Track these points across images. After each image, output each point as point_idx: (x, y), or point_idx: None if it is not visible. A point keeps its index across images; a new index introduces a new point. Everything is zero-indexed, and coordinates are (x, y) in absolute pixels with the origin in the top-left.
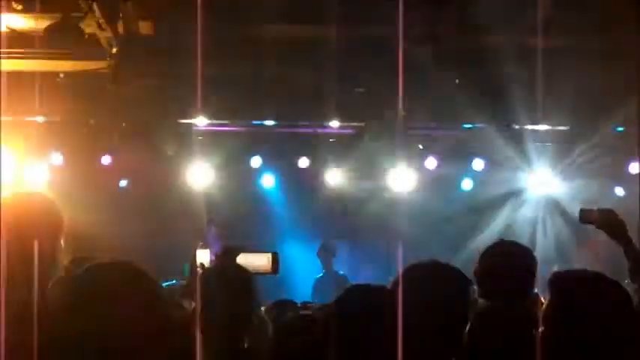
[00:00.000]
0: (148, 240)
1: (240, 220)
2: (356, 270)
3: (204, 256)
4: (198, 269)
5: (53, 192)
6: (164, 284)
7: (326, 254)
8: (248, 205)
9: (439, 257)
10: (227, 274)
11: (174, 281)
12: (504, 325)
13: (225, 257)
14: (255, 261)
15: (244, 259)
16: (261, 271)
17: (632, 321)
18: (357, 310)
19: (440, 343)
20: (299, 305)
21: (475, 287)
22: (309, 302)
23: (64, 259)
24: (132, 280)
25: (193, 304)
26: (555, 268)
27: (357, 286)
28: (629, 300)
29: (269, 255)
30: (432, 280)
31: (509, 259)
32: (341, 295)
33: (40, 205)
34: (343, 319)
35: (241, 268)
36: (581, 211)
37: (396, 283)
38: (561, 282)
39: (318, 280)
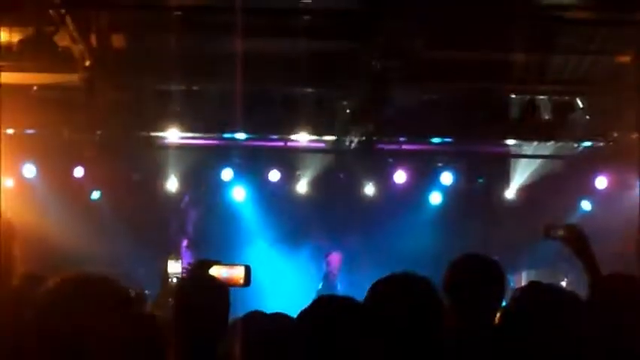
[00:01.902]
0: (120, 251)
1: (211, 232)
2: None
3: (175, 268)
4: (171, 281)
5: (25, 203)
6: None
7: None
8: (219, 217)
9: (411, 268)
10: (201, 286)
11: (146, 292)
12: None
13: (199, 269)
14: (227, 273)
15: (217, 272)
16: (234, 284)
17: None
18: (324, 323)
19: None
20: (269, 317)
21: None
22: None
23: (21, 268)
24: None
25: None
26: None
27: (326, 298)
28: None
29: (241, 268)
30: (404, 293)
31: (479, 272)
32: (308, 308)
33: None
34: (312, 332)
35: (214, 280)
36: (547, 225)
37: (369, 296)
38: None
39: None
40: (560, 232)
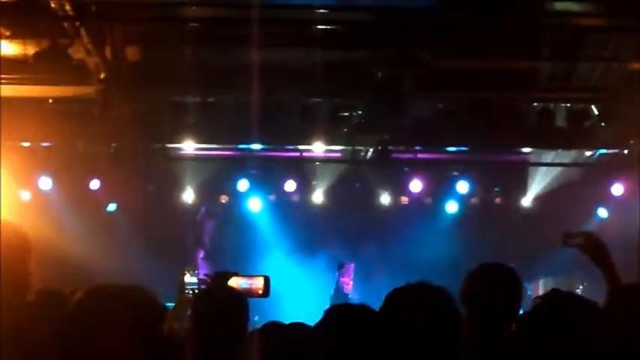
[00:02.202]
0: (136, 263)
1: (228, 243)
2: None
3: (191, 279)
4: (187, 292)
5: (42, 216)
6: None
7: (344, 275)
8: (236, 228)
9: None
10: (220, 297)
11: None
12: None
13: (218, 281)
14: (246, 284)
15: (236, 283)
16: (253, 294)
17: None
18: (341, 333)
19: None
20: (287, 327)
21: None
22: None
23: (39, 283)
24: (138, 305)
25: (181, 326)
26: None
27: (341, 308)
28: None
29: (261, 278)
30: (420, 303)
31: (497, 282)
32: (324, 318)
33: (5, 230)
34: (327, 342)
35: (234, 291)
36: (565, 234)
37: (384, 305)
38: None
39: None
40: (579, 240)
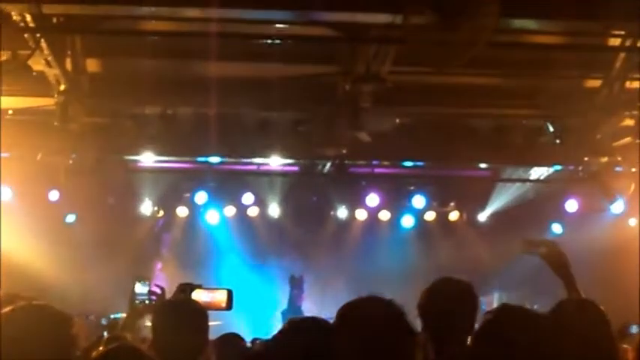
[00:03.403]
0: (94, 273)
1: (185, 255)
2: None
3: (142, 289)
4: (138, 303)
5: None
6: (112, 317)
7: (297, 288)
8: (193, 239)
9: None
10: (181, 309)
11: (118, 314)
12: None
13: (181, 293)
14: (209, 297)
15: (199, 295)
16: (216, 307)
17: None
18: (297, 346)
19: None
20: (243, 340)
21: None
22: (258, 339)
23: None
24: (48, 324)
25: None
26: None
27: (297, 322)
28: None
29: (224, 292)
30: (371, 317)
31: (455, 297)
32: (280, 332)
33: None
34: (287, 355)
35: (195, 304)
36: (525, 241)
37: (336, 319)
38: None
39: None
40: (541, 249)
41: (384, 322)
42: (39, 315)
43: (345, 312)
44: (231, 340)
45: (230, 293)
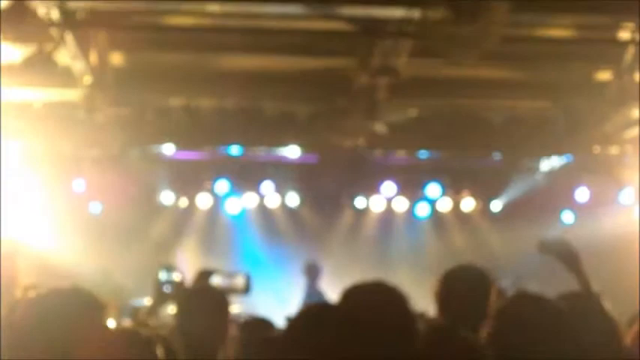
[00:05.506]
0: (118, 262)
1: (207, 244)
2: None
3: (167, 277)
4: (164, 289)
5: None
6: (135, 303)
7: (312, 274)
8: (215, 228)
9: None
10: (202, 295)
11: (139, 302)
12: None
13: (200, 278)
14: (228, 281)
15: (217, 280)
16: (235, 292)
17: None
18: (313, 329)
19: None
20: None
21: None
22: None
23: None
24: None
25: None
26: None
27: (312, 307)
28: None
29: (242, 276)
30: (375, 300)
31: (472, 283)
32: (296, 317)
33: None
34: (298, 341)
35: (215, 289)
36: (541, 241)
37: (341, 302)
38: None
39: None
40: (556, 250)
41: (384, 306)
42: (76, 298)
43: (349, 294)
44: (258, 324)
45: (248, 277)
